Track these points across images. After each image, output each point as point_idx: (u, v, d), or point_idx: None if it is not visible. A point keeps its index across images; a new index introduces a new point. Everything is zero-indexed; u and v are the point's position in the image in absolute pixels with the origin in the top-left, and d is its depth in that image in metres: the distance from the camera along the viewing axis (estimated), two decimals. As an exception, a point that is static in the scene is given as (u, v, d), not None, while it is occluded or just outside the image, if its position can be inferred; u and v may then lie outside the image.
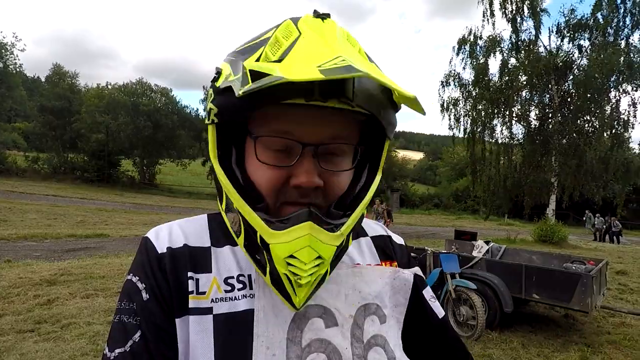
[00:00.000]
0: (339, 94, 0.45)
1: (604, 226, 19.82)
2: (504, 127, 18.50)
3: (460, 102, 19.03)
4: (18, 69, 32.61)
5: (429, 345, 0.65)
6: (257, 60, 0.47)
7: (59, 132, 33.97)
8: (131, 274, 0.55)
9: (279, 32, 0.49)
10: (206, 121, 0.52)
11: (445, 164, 55.40)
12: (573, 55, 17.07)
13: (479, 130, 18.48)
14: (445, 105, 19.29)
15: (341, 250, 0.52)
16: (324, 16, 0.51)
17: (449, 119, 19.23)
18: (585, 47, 16.71)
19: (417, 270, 0.67)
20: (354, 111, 0.48)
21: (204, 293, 0.53)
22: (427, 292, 0.67)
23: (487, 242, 5.73)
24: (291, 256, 0.47)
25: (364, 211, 0.56)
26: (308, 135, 0.49)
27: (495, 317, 4.20)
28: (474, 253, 5.39)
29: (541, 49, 17.57)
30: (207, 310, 0.52)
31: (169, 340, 0.51)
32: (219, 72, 0.50)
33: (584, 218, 21.02)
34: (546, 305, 4.99)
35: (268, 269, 0.49)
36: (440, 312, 0.67)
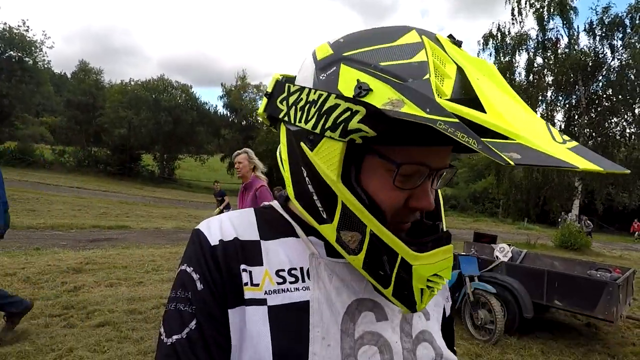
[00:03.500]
0: (470, 150, 0.49)
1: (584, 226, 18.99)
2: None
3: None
4: (46, 66, 33.74)
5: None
6: (437, 94, 0.42)
7: (84, 127, 35.05)
8: (185, 265, 0.56)
9: (430, 53, 0.46)
10: (335, 136, 0.48)
11: (463, 165, 54.51)
12: (605, 55, 16.47)
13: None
14: None
15: None
16: (459, 42, 0.51)
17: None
18: (617, 46, 16.10)
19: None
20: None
21: (257, 285, 0.54)
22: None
23: (508, 245, 5.63)
24: (435, 275, 0.51)
25: None
26: (437, 163, 0.52)
27: (515, 322, 4.12)
28: (498, 255, 5.30)
29: (574, 47, 17.02)
30: (262, 302, 0.53)
31: (223, 330, 0.52)
32: (366, 89, 0.45)
33: (559, 220, 19.93)
34: (567, 313, 4.88)
35: (392, 284, 0.51)
36: (448, 310, 0.71)
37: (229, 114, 41.02)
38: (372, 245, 0.50)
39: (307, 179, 0.53)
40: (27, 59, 30.71)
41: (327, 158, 0.50)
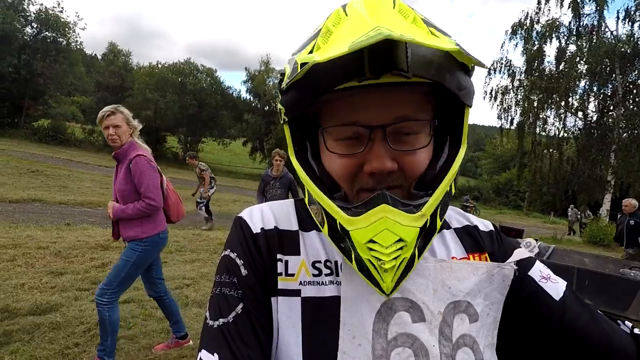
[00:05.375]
0: (391, 67, 0.42)
1: (578, 217, 17.83)
2: (558, 119, 17.31)
3: (511, 90, 17.96)
4: (79, 47, 34.64)
5: (550, 334, 0.56)
6: (310, 52, 0.48)
7: (113, 108, 36.01)
8: (228, 250, 0.57)
9: (328, 21, 0.51)
10: (281, 121, 0.55)
11: (487, 156, 53.07)
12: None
13: (529, 121, 17.39)
14: (493, 93, 18.31)
15: (428, 231, 0.49)
16: None
17: (497, 109, 18.26)
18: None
19: (520, 254, 0.60)
20: (417, 84, 0.45)
21: (292, 275, 0.54)
22: (537, 273, 0.59)
23: (535, 241, 5.44)
24: (371, 241, 0.46)
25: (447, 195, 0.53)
26: (374, 119, 0.48)
27: (540, 319, 4.01)
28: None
29: (607, 35, 16.04)
30: (296, 293, 0.53)
31: (268, 315, 0.53)
32: (282, 74, 0.53)
33: (568, 213, 18.79)
34: (596, 312, 4.70)
35: (353, 256, 0.48)
36: (557, 292, 0.58)
37: (252, 99, 41.12)
38: (326, 214, 0.50)
39: None
40: (60, 39, 31.60)
41: (287, 141, 0.55)
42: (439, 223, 0.51)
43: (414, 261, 0.49)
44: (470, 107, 0.52)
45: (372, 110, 0.48)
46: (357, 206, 0.48)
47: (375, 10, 0.47)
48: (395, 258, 0.46)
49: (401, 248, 0.46)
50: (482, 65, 0.47)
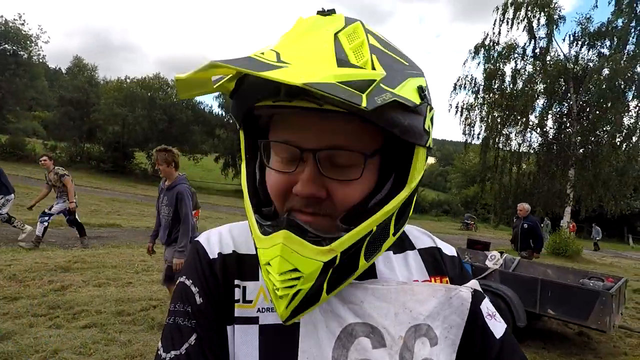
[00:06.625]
0: (303, 93, 0.40)
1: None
2: (519, 135, 18.25)
3: (476, 107, 18.82)
4: (41, 60, 33.45)
5: None
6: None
7: (77, 123, 34.65)
8: (184, 277, 0.55)
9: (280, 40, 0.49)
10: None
11: (456, 170, 54.87)
12: (593, 64, 16.70)
13: (493, 136, 18.23)
14: (460, 109, 19.10)
15: (340, 268, 0.46)
16: (328, 12, 0.50)
17: (463, 124, 19.05)
18: (606, 55, 16.34)
19: (474, 284, 0.61)
20: (352, 114, 0.41)
21: (250, 302, 0.52)
22: (485, 308, 0.60)
23: (500, 253, 5.62)
24: (268, 264, 0.45)
25: (402, 225, 0.52)
26: (306, 141, 0.46)
27: (508, 330, 4.10)
28: (489, 264, 5.28)
29: (561, 57, 17.29)
30: (253, 320, 0.51)
31: (222, 345, 0.51)
32: None
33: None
34: (560, 322, 4.88)
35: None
36: (499, 331, 0.60)
37: (224, 114, 40.80)
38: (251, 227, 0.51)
39: None
40: (21, 52, 30.42)
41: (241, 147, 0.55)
42: (361, 263, 0.47)
43: (318, 295, 0.46)
44: (423, 146, 0.48)
45: (306, 132, 0.46)
46: (269, 225, 0.47)
47: (298, 30, 0.47)
48: (289, 287, 0.44)
49: (297, 278, 0.44)
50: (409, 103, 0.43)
